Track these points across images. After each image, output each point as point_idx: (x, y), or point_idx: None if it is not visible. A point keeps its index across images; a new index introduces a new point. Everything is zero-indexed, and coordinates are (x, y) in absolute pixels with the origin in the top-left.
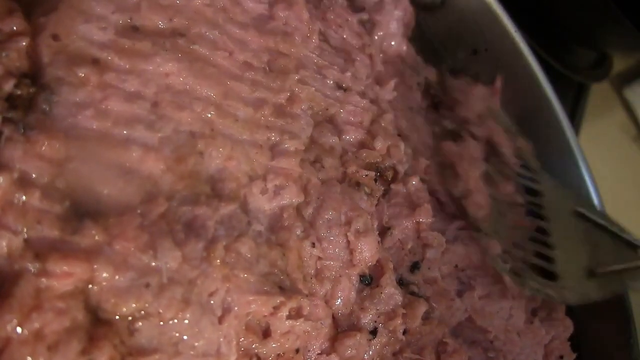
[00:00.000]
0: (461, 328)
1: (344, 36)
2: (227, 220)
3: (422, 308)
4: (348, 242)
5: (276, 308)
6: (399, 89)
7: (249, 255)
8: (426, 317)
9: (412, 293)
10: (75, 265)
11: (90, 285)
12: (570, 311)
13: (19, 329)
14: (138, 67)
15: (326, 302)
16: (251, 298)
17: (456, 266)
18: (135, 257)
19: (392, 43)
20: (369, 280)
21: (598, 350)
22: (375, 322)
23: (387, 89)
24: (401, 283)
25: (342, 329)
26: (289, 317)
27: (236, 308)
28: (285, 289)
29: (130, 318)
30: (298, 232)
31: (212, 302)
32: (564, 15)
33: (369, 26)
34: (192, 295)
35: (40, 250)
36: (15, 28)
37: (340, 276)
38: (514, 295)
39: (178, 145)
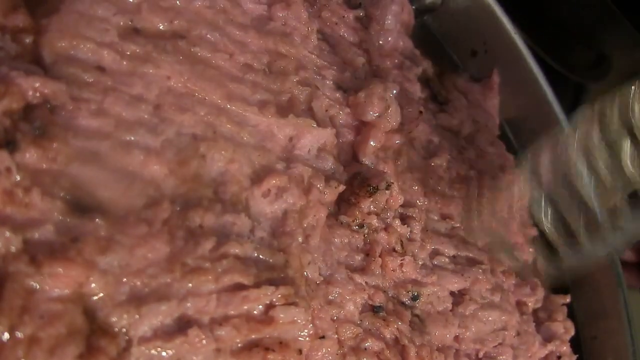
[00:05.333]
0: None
1: (341, 33)
2: (229, 225)
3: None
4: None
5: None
6: (397, 79)
7: (249, 260)
8: None
9: (416, 316)
10: (72, 268)
11: (88, 289)
12: (571, 313)
13: (14, 332)
14: (139, 70)
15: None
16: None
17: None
18: None
19: (389, 38)
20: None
21: (598, 351)
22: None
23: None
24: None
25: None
26: None
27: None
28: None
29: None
30: (300, 239)
31: None
32: (564, 15)
33: (365, 21)
34: None
35: (37, 253)
36: (19, 25)
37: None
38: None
39: (180, 149)
